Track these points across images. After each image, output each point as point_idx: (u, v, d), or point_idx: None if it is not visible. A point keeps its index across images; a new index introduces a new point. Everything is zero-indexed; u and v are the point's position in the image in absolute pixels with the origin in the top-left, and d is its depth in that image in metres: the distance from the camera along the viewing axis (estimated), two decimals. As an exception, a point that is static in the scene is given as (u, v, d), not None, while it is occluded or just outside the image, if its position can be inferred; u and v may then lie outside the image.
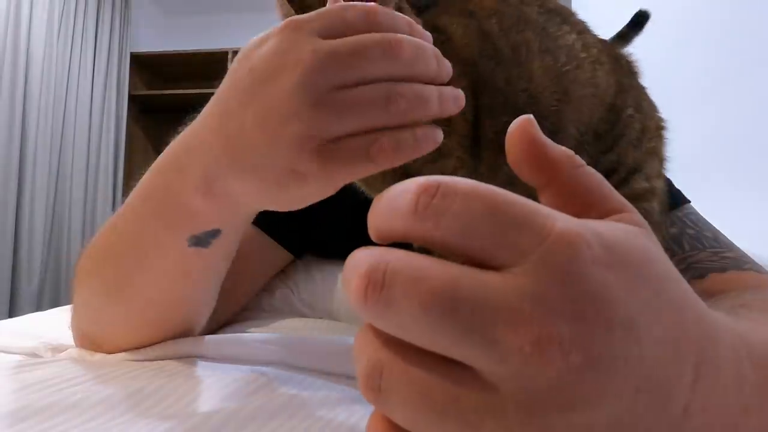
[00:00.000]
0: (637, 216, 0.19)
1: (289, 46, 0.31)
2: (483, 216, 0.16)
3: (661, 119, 0.46)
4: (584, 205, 0.19)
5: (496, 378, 0.15)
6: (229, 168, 0.35)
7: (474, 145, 0.41)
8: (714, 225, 0.53)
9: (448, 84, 0.33)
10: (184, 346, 0.44)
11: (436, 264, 0.16)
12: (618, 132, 0.42)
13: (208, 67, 3.10)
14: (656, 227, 0.42)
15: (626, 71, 0.45)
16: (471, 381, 0.16)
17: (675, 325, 0.17)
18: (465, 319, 0.15)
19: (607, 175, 0.41)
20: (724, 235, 0.51)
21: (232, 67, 0.35)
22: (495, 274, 0.16)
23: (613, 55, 0.45)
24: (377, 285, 0.15)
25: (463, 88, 0.36)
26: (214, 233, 0.40)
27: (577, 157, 0.20)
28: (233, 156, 0.34)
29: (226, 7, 3.22)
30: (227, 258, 0.46)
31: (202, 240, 0.40)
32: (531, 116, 0.20)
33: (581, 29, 0.44)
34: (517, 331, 0.15)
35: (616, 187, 0.20)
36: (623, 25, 0.52)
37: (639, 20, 0.49)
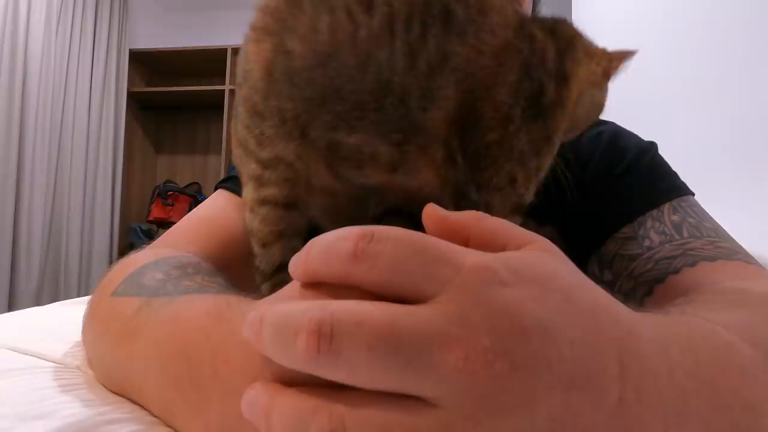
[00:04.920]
0: (544, 243, 0.23)
1: None
2: (410, 255, 0.19)
3: None
4: (500, 245, 0.23)
5: (442, 399, 0.17)
6: None
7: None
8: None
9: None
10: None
11: (374, 306, 0.18)
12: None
13: (207, 63, 3.09)
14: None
15: None
16: (421, 408, 0.17)
17: (590, 325, 0.19)
18: (406, 350, 0.17)
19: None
20: (724, 230, 0.52)
21: None
22: (424, 306, 0.18)
23: None
24: (326, 336, 0.17)
25: None
26: None
27: (480, 212, 0.24)
28: None
29: (225, 4, 3.21)
30: None
31: None
32: (431, 203, 0.24)
33: None
34: (449, 351, 0.17)
35: None
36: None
37: None
